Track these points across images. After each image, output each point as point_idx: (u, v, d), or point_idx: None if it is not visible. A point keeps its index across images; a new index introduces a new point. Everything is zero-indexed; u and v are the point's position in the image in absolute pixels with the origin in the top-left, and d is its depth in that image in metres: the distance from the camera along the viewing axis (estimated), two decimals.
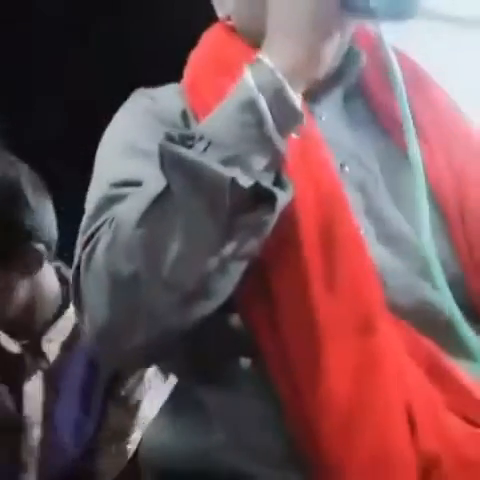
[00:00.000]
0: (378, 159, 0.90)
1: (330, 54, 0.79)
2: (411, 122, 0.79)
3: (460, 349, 0.81)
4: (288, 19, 0.78)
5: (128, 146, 0.89)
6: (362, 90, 0.95)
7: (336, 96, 0.93)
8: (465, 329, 0.78)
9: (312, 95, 0.87)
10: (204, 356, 0.86)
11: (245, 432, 0.82)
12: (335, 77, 0.91)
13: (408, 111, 0.79)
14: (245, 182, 0.74)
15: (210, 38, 0.98)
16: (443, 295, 0.78)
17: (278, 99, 0.77)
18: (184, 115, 0.89)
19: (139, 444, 0.96)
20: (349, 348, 0.78)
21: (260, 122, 0.76)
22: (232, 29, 0.97)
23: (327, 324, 0.78)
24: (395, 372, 0.77)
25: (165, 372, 0.94)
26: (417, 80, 0.92)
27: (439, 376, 0.80)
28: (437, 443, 0.76)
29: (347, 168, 0.88)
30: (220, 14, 0.98)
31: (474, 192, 0.88)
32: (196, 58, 0.96)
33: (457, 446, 0.76)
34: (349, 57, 0.92)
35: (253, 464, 0.80)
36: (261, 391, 0.82)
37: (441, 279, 0.77)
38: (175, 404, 0.91)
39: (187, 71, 0.95)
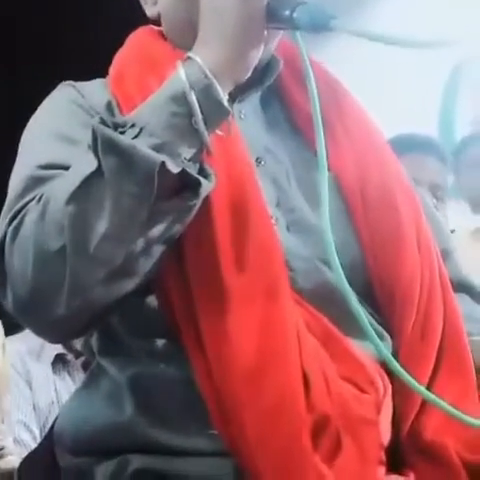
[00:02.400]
0: (290, 155, 0.97)
1: (255, 58, 0.86)
2: (320, 119, 0.85)
3: (354, 328, 0.87)
4: (219, 24, 0.85)
5: (54, 132, 0.93)
6: (279, 93, 1.01)
7: (255, 97, 0.99)
8: (357, 309, 0.84)
9: (232, 94, 0.91)
10: (119, 335, 0.92)
11: (153, 403, 0.88)
12: (255, 80, 0.97)
13: (319, 110, 0.85)
14: (173, 168, 0.80)
15: (136, 38, 1.03)
16: (338, 276, 0.84)
17: (207, 95, 0.82)
18: (109, 106, 0.94)
19: (53, 424, 1.00)
20: (254, 315, 0.85)
21: (189, 114, 0.82)
22: (158, 33, 1.02)
23: (235, 295, 0.85)
24: (294, 338, 0.85)
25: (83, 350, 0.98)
26: (328, 85, 0.99)
27: (332, 347, 0.88)
28: (329, 404, 0.84)
29: (262, 162, 0.95)
30: (148, 13, 1.03)
31: (374, 182, 0.96)
32: (122, 55, 1.01)
33: (346, 407, 0.84)
34: (269, 63, 0.98)
35: (162, 432, 0.87)
36: (171, 366, 0.88)
37: (335, 260, 0.83)
38: (90, 382, 0.96)
39: (112, 67, 1.00)
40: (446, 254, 1.04)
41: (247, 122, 0.97)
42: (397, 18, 2.81)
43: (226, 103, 0.84)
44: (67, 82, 1.00)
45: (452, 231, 1.86)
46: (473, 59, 2.87)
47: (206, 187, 0.83)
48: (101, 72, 1.01)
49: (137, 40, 1.02)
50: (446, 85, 2.94)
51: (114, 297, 0.84)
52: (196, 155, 0.83)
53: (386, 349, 0.88)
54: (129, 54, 1.00)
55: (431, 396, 0.85)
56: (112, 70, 0.99)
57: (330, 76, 1.02)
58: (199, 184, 0.82)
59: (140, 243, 0.82)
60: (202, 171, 0.84)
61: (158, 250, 0.84)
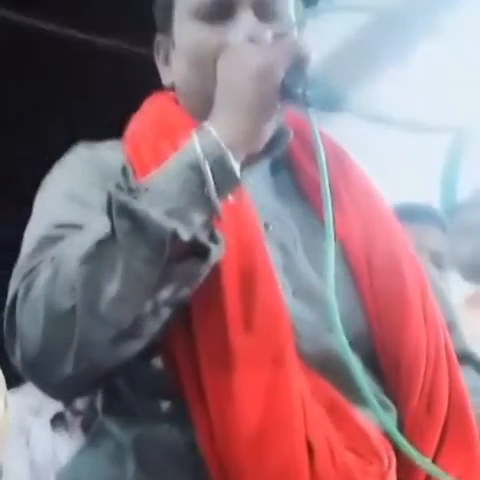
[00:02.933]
0: (297, 221, 1.00)
1: (268, 131, 0.90)
2: (328, 189, 0.88)
3: (359, 396, 0.87)
4: (235, 98, 0.88)
5: (68, 193, 0.96)
6: (288, 162, 1.05)
7: (264, 165, 1.03)
8: (360, 380, 0.85)
9: (243, 161, 0.94)
10: (124, 395, 0.93)
11: (156, 465, 0.88)
12: (265, 148, 0.99)
13: (327, 180, 0.87)
14: (185, 235, 0.82)
15: (152, 103, 1.06)
16: (341, 345, 0.85)
17: (220, 165, 0.85)
18: (124, 171, 0.97)
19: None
20: (260, 380, 0.86)
21: (203, 183, 0.84)
22: (174, 99, 1.05)
23: (242, 361, 0.86)
24: (299, 405, 0.86)
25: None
26: (336, 156, 1.02)
27: (337, 416, 0.88)
28: (333, 473, 0.84)
29: (270, 227, 0.97)
30: (165, 82, 1.07)
31: (379, 250, 0.98)
32: (137, 120, 1.04)
33: (351, 477, 0.84)
34: (278, 133, 1.01)
35: None
36: (175, 428, 0.89)
37: (339, 329, 0.84)
38: (92, 441, 0.97)
39: (128, 131, 1.03)
40: (451, 326, 1.06)
41: (256, 188, 0.99)
42: (396, 95, 2.88)
43: (238, 174, 0.86)
44: (83, 143, 1.04)
45: None
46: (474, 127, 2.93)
47: (216, 253, 0.85)
48: (116, 133, 1.04)
49: (153, 106, 1.05)
50: (447, 154, 2.99)
51: (121, 358, 0.85)
52: (207, 222, 0.85)
53: (390, 420, 0.88)
54: (145, 120, 1.03)
55: (435, 469, 0.85)
56: (127, 134, 1.02)
57: (338, 147, 1.05)
58: (209, 251, 0.84)
59: (149, 306, 0.83)
60: (212, 237, 0.86)
61: (166, 313, 0.85)
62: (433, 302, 1.00)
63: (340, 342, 0.83)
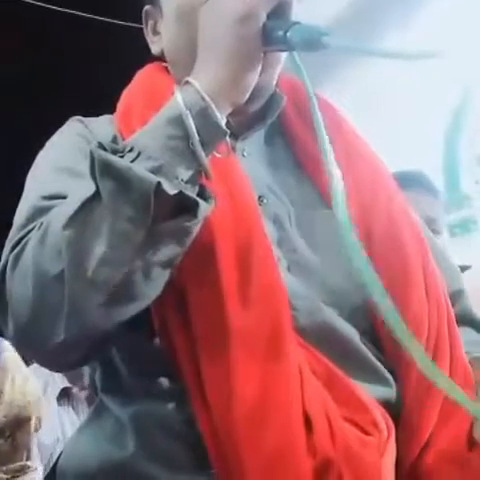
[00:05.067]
0: (293, 194, 0.97)
1: (253, 80, 0.87)
2: (332, 159, 0.84)
3: (356, 369, 0.87)
4: (215, 47, 0.86)
5: (59, 165, 0.95)
6: (284, 131, 1.02)
7: (258, 135, 1.00)
8: (363, 353, 0.84)
9: (235, 133, 0.94)
10: (122, 373, 0.92)
11: (155, 441, 0.88)
12: (257, 117, 0.98)
13: (329, 149, 0.84)
14: (170, 189, 0.80)
15: (143, 74, 1.05)
16: (353, 322, 0.84)
17: (204, 117, 0.83)
18: (114, 140, 0.94)
19: (57, 461, 1.00)
20: (257, 357, 0.84)
21: (186, 136, 0.82)
22: (164, 69, 1.03)
23: (238, 336, 0.84)
24: (296, 380, 0.84)
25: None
26: (335, 122, 0.99)
27: (335, 389, 0.87)
28: (332, 446, 0.83)
29: (265, 200, 0.95)
30: (154, 52, 1.05)
31: (380, 220, 0.96)
32: (128, 92, 1.02)
33: (349, 450, 0.83)
34: (271, 100, 0.99)
35: (163, 471, 0.86)
36: (172, 406, 0.88)
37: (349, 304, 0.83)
38: (93, 419, 0.96)
39: (120, 103, 1.01)
40: (458, 294, 1.04)
41: (250, 160, 0.98)
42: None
43: (223, 125, 0.84)
44: (76, 117, 1.02)
45: (466, 268, 1.85)
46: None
47: (205, 209, 0.83)
48: (110, 108, 1.03)
49: (143, 77, 1.04)
50: (449, 118, 2.95)
51: (113, 322, 0.83)
52: (194, 177, 0.83)
53: (389, 392, 0.88)
54: (135, 91, 1.02)
55: (437, 371, 0.79)
56: (119, 106, 1.01)
57: (336, 112, 1.03)
58: (197, 205, 0.82)
59: (139, 266, 0.81)
60: (202, 194, 0.84)
61: (158, 274, 0.83)
62: (435, 272, 0.98)
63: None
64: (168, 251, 0.82)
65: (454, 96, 2.80)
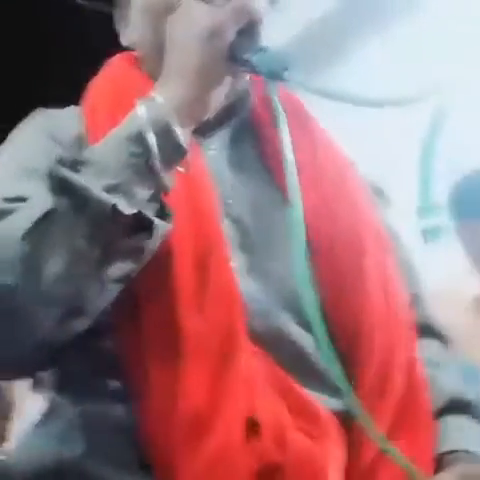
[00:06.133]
0: (257, 194, 0.96)
1: (218, 98, 0.86)
2: (293, 165, 0.83)
3: (308, 377, 0.87)
4: (182, 63, 0.84)
5: (22, 165, 0.92)
6: (252, 131, 1.00)
7: (225, 133, 0.99)
8: (317, 361, 0.84)
9: (202, 130, 0.92)
10: (73, 373, 0.90)
11: (104, 442, 0.86)
12: (225, 115, 0.96)
13: (291, 156, 0.83)
14: (127, 209, 0.79)
15: (111, 67, 1.02)
16: (310, 328, 0.82)
17: (165, 134, 0.81)
18: (79, 138, 0.93)
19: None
20: (207, 364, 0.83)
21: (146, 154, 0.80)
22: (135, 60, 1.01)
23: (190, 340, 0.83)
24: (246, 387, 0.83)
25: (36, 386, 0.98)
26: (302, 123, 0.98)
27: (288, 397, 0.85)
28: (282, 454, 0.82)
29: (228, 201, 0.93)
30: (124, 43, 1.03)
31: (342, 226, 0.94)
32: (96, 85, 1.00)
33: (300, 458, 0.82)
34: (240, 97, 0.98)
35: (111, 472, 0.85)
36: (121, 407, 0.86)
37: (313, 314, 0.80)
38: (45, 417, 0.94)
39: (86, 97, 0.99)
40: (416, 299, 1.03)
41: (216, 158, 0.96)
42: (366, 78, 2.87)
43: (184, 143, 0.83)
44: (39, 110, 1.00)
45: None
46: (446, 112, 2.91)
47: (162, 228, 0.82)
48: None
49: (112, 69, 1.02)
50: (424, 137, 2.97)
51: (67, 336, 0.83)
52: (154, 195, 0.82)
53: (340, 402, 0.86)
54: (102, 85, 0.99)
55: (387, 443, 0.83)
56: (85, 100, 0.98)
57: (304, 112, 1.01)
58: (154, 226, 0.81)
59: (94, 283, 0.80)
60: (162, 211, 0.83)
61: (113, 289, 0.82)
62: (395, 279, 0.96)
63: (307, 326, 0.80)
64: (125, 268, 0.82)
65: (429, 111, 2.82)
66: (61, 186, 0.79)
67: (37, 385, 0.97)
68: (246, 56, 0.84)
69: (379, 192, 1.11)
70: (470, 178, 1.99)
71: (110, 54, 1.04)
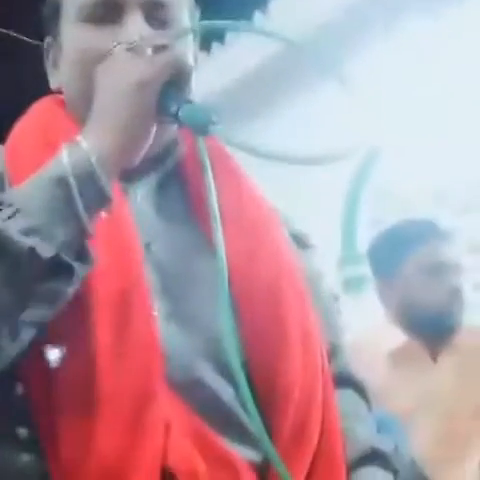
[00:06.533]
0: (181, 242, 0.96)
1: (144, 146, 0.86)
2: (217, 215, 0.85)
3: (226, 428, 0.86)
4: (109, 112, 0.84)
5: None
6: (179, 178, 1.00)
7: (152, 180, 0.98)
8: (235, 412, 0.83)
9: (128, 176, 0.92)
10: None
11: None
12: (153, 161, 0.96)
13: (215, 205, 0.85)
14: (45, 252, 0.77)
15: (38, 108, 1.01)
16: (230, 378, 0.83)
17: (88, 181, 0.81)
18: (1, 178, 0.91)
19: None
20: (121, 414, 0.82)
21: (68, 199, 0.80)
22: (62, 103, 1.00)
23: (105, 391, 0.82)
24: (160, 438, 0.82)
25: None
26: (225, 167, 0.98)
27: (205, 449, 0.85)
28: None
29: (152, 247, 0.93)
30: (52, 85, 1.02)
31: (262, 279, 0.94)
32: (21, 125, 0.99)
33: None
34: (169, 144, 0.98)
35: None
36: (30, 456, 0.84)
37: (235, 364, 0.81)
38: None
39: (10, 136, 0.97)
40: (335, 349, 1.04)
41: (141, 204, 0.96)
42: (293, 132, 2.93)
43: (108, 191, 0.82)
44: None
45: None
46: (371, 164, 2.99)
47: (81, 272, 0.81)
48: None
49: (38, 111, 1.01)
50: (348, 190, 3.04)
51: None
52: (75, 239, 0.81)
53: (258, 454, 0.86)
54: (27, 126, 0.98)
55: None
56: (9, 140, 0.97)
57: (230, 162, 1.01)
58: (72, 270, 0.80)
59: (6, 327, 0.78)
60: (82, 254, 0.82)
61: (24, 334, 0.80)
62: (315, 333, 0.97)
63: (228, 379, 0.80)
64: (40, 312, 0.80)
65: (354, 164, 2.90)
66: None
67: None
68: (173, 109, 0.85)
69: (303, 239, 1.12)
70: (385, 236, 2.05)
71: (39, 96, 1.04)
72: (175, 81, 0.86)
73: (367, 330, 1.98)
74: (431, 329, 1.89)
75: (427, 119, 2.87)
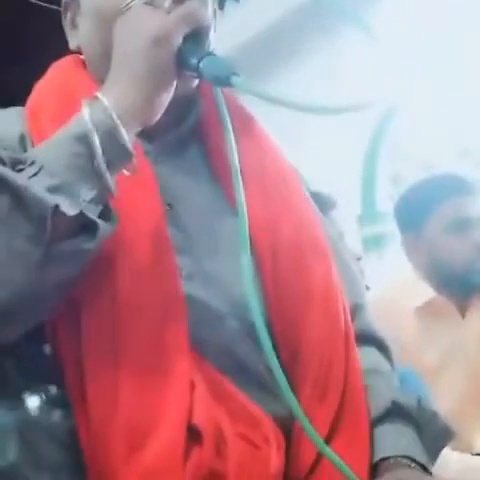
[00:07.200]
0: (203, 201, 0.96)
1: (164, 102, 0.86)
2: (238, 172, 0.84)
3: (250, 383, 0.87)
4: (129, 66, 0.84)
5: None
6: (200, 136, 1.00)
7: (172, 139, 0.98)
8: (258, 368, 0.84)
9: (149, 136, 0.92)
10: (11, 377, 0.88)
11: (38, 449, 0.85)
12: (173, 121, 0.96)
13: (237, 162, 0.84)
14: (69, 210, 0.77)
15: (57, 69, 1.01)
16: (253, 335, 0.83)
17: (110, 137, 0.81)
18: (22, 139, 0.92)
19: None
20: (146, 370, 0.83)
21: (91, 155, 0.80)
22: (82, 63, 1.00)
23: (129, 347, 0.83)
24: (185, 396, 0.83)
25: None
26: (250, 133, 0.98)
27: (229, 404, 0.86)
28: (222, 461, 0.82)
29: (174, 208, 0.93)
30: (71, 45, 1.02)
31: (286, 239, 0.95)
32: (41, 86, 0.99)
33: (240, 464, 0.83)
34: (189, 103, 0.98)
35: (42, 476, 0.84)
36: (59, 414, 0.86)
37: (258, 320, 0.81)
38: None
39: (30, 97, 0.98)
40: (358, 308, 1.04)
41: (162, 165, 0.95)
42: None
43: (130, 146, 0.82)
44: None
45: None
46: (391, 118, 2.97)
47: (105, 230, 0.81)
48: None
49: (57, 71, 1.01)
50: (368, 144, 3.03)
51: (3, 340, 0.81)
52: (98, 197, 0.81)
53: (282, 407, 0.87)
54: (47, 86, 0.98)
55: (326, 449, 0.84)
56: (30, 101, 0.97)
57: (252, 123, 1.01)
58: (97, 227, 0.80)
59: (31, 284, 0.78)
60: (105, 213, 0.82)
61: (53, 293, 0.81)
62: (338, 292, 0.97)
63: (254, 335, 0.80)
64: (66, 271, 0.80)
65: (373, 121, 2.88)
66: (1, 185, 0.77)
67: None
68: (193, 61, 0.84)
69: (324, 198, 1.12)
70: (410, 192, 2.02)
71: (58, 56, 1.03)
72: (194, 34, 0.85)
73: (394, 287, 1.98)
74: (458, 286, 1.87)
75: (450, 74, 2.83)
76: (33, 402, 0.87)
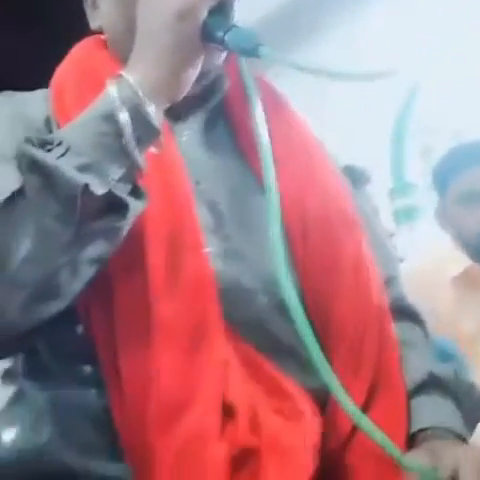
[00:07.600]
0: (231, 179, 0.95)
1: (191, 78, 0.84)
2: (268, 149, 0.83)
3: (284, 359, 0.87)
4: (153, 42, 0.83)
5: None
6: (226, 114, 1.00)
7: (199, 117, 0.98)
8: (292, 343, 0.84)
9: (175, 114, 0.91)
10: (44, 358, 0.90)
11: (72, 428, 0.86)
12: (199, 99, 0.96)
13: (265, 138, 0.83)
14: (98, 189, 0.77)
15: (79, 49, 1.01)
16: (285, 310, 0.82)
17: (137, 114, 0.80)
18: (47, 121, 0.92)
19: None
20: (179, 350, 0.82)
21: (118, 133, 0.79)
22: (103, 43, 1.00)
23: (162, 325, 0.82)
24: (219, 372, 0.83)
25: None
26: (276, 108, 0.97)
27: (263, 380, 0.86)
28: (256, 437, 0.82)
29: (201, 186, 0.93)
30: (92, 26, 1.02)
31: (315, 212, 0.94)
32: (63, 68, 0.99)
33: (275, 439, 0.83)
34: (215, 81, 0.97)
35: (78, 458, 0.84)
36: (92, 392, 0.86)
37: (290, 296, 0.81)
38: (11, 404, 0.93)
39: (53, 79, 0.98)
40: (391, 280, 1.03)
41: (189, 143, 0.95)
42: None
43: (157, 123, 0.81)
44: (5, 93, 0.98)
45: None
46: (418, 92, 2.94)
47: (135, 208, 0.81)
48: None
49: (80, 52, 1.01)
50: (396, 115, 3.00)
51: (34, 322, 0.81)
52: (127, 175, 0.81)
53: (317, 381, 0.85)
54: (70, 67, 0.98)
55: (362, 420, 0.82)
56: (53, 83, 0.97)
57: (278, 97, 1.00)
58: (127, 206, 0.80)
59: (65, 265, 0.79)
60: (135, 191, 0.82)
61: (85, 271, 0.81)
62: (368, 261, 0.97)
63: (295, 310, 0.80)
64: (97, 249, 0.80)
65: (401, 95, 2.85)
66: (30, 165, 0.77)
67: (7, 376, 0.96)
68: (219, 34, 0.83)
69: (359, 173, 1.11)
70: (441, 159, 2.00)
71: (79, 37, 1.03)
72: (218, 7, 0.84)
73: (428, 258, 1.96)
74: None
75: (477, 43, 2.79)
76: (67, 382, 0.88)
